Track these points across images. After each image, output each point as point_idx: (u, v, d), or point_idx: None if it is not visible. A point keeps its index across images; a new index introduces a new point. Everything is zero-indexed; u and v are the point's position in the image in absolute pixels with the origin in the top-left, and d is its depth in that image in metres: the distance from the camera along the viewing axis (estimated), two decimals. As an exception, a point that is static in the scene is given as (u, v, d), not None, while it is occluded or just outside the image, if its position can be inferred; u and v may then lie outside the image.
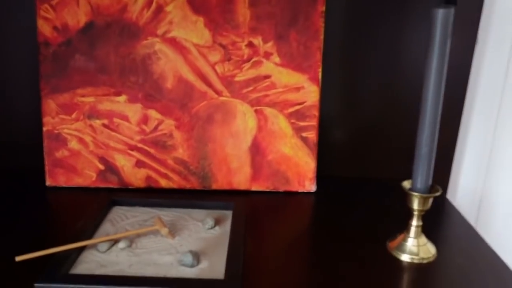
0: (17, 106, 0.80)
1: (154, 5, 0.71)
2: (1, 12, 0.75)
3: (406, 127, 0.82)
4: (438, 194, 0.57)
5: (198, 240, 0.61)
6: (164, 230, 0.61)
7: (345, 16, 0.76)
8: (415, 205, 0.58)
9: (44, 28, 0.71)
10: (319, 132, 0.75)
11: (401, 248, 0.59)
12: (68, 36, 0.71)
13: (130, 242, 0.60)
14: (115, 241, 0.60)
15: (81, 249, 0.58)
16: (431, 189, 0.57)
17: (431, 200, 0.58)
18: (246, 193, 0.76)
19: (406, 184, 0.59)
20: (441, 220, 0.72)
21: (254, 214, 0.69)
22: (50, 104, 0.73)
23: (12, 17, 0.75)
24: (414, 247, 0.59)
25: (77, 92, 0.73)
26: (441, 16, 0.49)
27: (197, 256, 0.56)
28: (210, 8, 0.71)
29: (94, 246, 0.59)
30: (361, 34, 0.77)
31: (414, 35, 0.77)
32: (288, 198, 0.76)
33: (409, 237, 0.60)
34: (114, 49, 0.72)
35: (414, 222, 0.59)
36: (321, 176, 0.78)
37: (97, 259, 0.56)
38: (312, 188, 0.77)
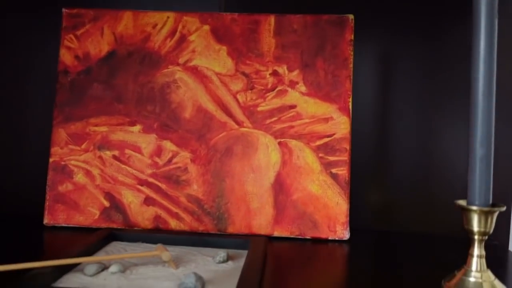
0: (29, 136, 0.76)
1: (177, 35, 0.69)
2: (25, 44, 0.76)
3: (446, 178, 0.72)
4: (503, 209, 0.46)
5: (206, 272, 0.50)
6: (166, 255, 0.50)
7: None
8: (475, 224, 0.46)
9: (66, 57, 0.70)
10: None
11: (462, 287, 0.46)
12: (88, 65, 0.70)
13: (123, 268, 0.49)
14: (106, 267, 0.49)
15: (65, 271, 0.48)
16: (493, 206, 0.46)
17: (494, 218, 0.46)
18: (267, 238, 0.65)
19: (462, 202, 0.48)
20: (508, 274, 0.59)
21: (275, 264, 0.56)
22: (60, 134, 0.69)
23: (36, 48, 0.76)
24: (478, 284, 0.46)
25: (90, 122, 0.69)
26: (485, -6, 0.45)
27: (201, 281, 0.45)
28: (234, 37, 0.69)
29: (80, 269, 0.49)
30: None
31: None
32: (316, 247, 0.64)
33: (471, 271, 0.47)
34: (133, 77, 0.69)
35: (476, 251, 0.47)
36: (351, 227, 0.67)
37: (80, 281, 0.46)
38: (345, 234, 0.65)
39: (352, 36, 0.68)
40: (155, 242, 0.60)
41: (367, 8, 0.73)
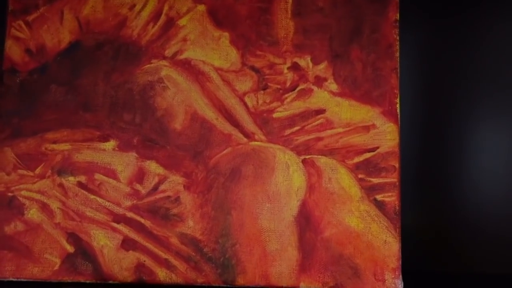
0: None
1: (163, 18, 0.52)
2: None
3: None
4: None
5: None
6: None
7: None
8: None
9: (13, 51, 0.52)
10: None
11: None
12: (43, 61, 0.52)
13: None
14: None
15: None
16: None
17: None
18: (292, 292, 0.48)
19: None
20: None
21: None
22: (6, 154, 0.51)
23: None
24: None
25: (46, 137, 0.51)
26: None
27: None
28: (239, 20, 0.52)
29: None
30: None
31: None
32: (359, 302, 0.47)
33: None
34: (105, 76, 0.52)
35: None
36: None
37: None
38: (397, 285, 0.48)
39: (398, 15, 0.51)
40: (135, 308, 0.42)
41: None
